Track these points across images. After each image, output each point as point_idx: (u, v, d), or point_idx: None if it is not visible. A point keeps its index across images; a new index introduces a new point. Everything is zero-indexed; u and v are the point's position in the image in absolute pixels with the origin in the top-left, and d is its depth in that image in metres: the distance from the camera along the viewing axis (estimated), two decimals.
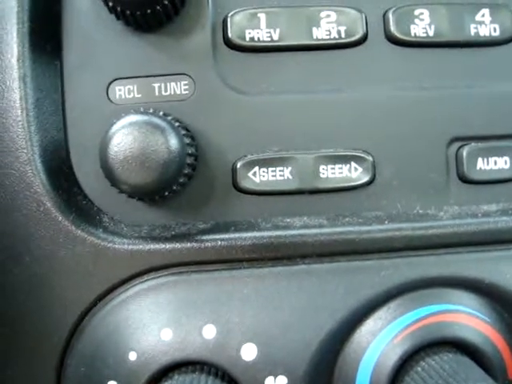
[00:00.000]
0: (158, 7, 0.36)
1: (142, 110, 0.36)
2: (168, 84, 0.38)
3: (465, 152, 0.39)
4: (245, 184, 0.38)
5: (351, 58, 0.39)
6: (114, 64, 0.38)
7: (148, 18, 0.36)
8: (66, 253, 0.36)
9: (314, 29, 0.38)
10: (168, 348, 0.35)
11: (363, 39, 0.39)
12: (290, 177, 0.38)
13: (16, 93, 0.36)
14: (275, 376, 0.35)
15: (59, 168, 0.37)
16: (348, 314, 0.36)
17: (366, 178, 0.38)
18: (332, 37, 0.38)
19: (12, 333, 0.37)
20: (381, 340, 0.36)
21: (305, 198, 0.38)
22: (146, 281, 0.36)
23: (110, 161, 0.34)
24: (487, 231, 0.37)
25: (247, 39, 0.38)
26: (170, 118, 0.36)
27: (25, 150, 0.36)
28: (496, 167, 0.39)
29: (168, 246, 0.36)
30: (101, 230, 0.37)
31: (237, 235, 0.37)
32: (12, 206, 0.36)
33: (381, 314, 0.36)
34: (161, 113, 0.36)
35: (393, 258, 0.37)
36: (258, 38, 0.38)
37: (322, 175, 0.38)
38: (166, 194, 0.36)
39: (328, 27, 0.38)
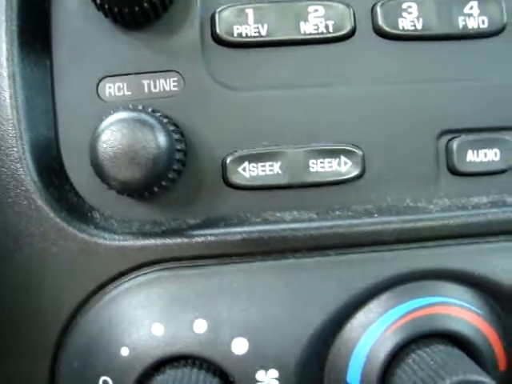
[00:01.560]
0: (146, 4, 0.36)
1: (130, 106, 0.36)
2: (157, 81, 0.38)
3: (455, 144, 0.39)
4: (235, 179, 0.38)
5: (339, 53, 0.39)
6: (103, 62, 0.38)
7: (136, 15, 0.36)
8: (57, 250, 0.36)
9: (302, 23, 0.38)
10: (159, 343, 0.35)
11: (351, 33, 0.39)
12: (280, 171, 0.38)
13: (6, 91, 0.36)
14: (266, 369, 0.35)
15: (50, 165, 0.38)
16: (338, 307, 0.36)
17: (355, 172, 0.39)
18: (320, 31, 0.38)
19: (4, 330, 0.37)
20: (372, 333, 0.36)
21: (295, 192, 0.39)
22: (137, 276, 0.36)
23: (99, 157, 0.34)
24: (477, 223, 0.37)
25: (235, 35, 0.38)
26: (158, 114, 0.36)
27: (15, 148, 0.36)
28: (486, 159, 0.39)
29: (158, 241, 0.36)
30: (92, 226, 0.37)
31: (227, 230, 0.37)
32: (3, 203, 0.36)
33: (371, 307, 0.36)
34: (149, 109, 0.36)
35: (383, 251, 0.37)
36: (246, 34, 0.38)
37: (311, 169, 0.38)
38: (156, 189, 0.36)
39: (316, 22, 0.38)
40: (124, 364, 0.35)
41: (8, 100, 0.36)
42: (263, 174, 0.38)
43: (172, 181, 0.36)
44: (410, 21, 0.39)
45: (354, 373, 0.36)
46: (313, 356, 0.36)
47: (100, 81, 0.38)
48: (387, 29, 0.39)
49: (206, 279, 0.36)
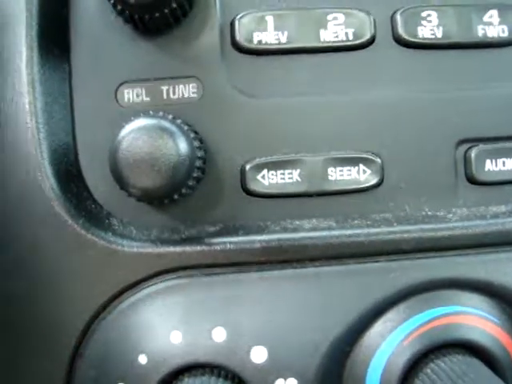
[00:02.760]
0: (167, 10, 0.36)
1: (151, 113, 0.36)
2: (176, 87, 0.38)
3: (473, 153, 0.39)
4: (254, 187, 0.38)
5: (359, 60, 0.39)
6: (122, 67, 0.38)
7: (156, 21, 0.36)
8: (75, 257, 0.36)
9: (322, 31, 0.38)
10: (178, 351, 0.35)
11: (371, 41, 0.39)
12: (299, 179, 0.38)
13: (25, 97, 0.36)
14: (285, 378, 0.35)
15: (68, 172, 0.37)
16: (357, 316, 0.36)
17: (374, 181, 0.38)
18: (340, 39, 0.38)
19: (22, 337, 0.37)
20: (390, 342, 0.36)
21: (313, 200, 0.38)
22: (155, 284, 0.36)
23: (119, 164, 0.34)
24: (496, 233, 0.37)
25: (255, 42, 0.38)
26: (179, 121, 0.36)
27: (34, 155, 0.36)
28: (505, 168, 0.39)
29: (177, 248, 0.36)
30: (110, 233, 0.37)
31: (246, 238, 0.37)
32: (21, 210, 0.36)
33: (390, 316, 0.36)
34: (170, 116, 0.36)
35: (402, 260, 0.37)
36: (266, 41, 0.38)
37: (330, 177, 0.38)
38: (176, 197, 0.36)
39: (336, 29, 0.38)
40: (142, 372, 0.35)
41: (27, 106, 0.36)
42: (282, 181, 0.38)
43: (191, 188, 0.36)
44: (429, 29, 0.39)
45: (372, 382, 0.36)
46: (331, 365, 0.36)
47: (119, 86, 0.38)
48: (407, 37, 0.39)
49: (225, 287, 0.36)
